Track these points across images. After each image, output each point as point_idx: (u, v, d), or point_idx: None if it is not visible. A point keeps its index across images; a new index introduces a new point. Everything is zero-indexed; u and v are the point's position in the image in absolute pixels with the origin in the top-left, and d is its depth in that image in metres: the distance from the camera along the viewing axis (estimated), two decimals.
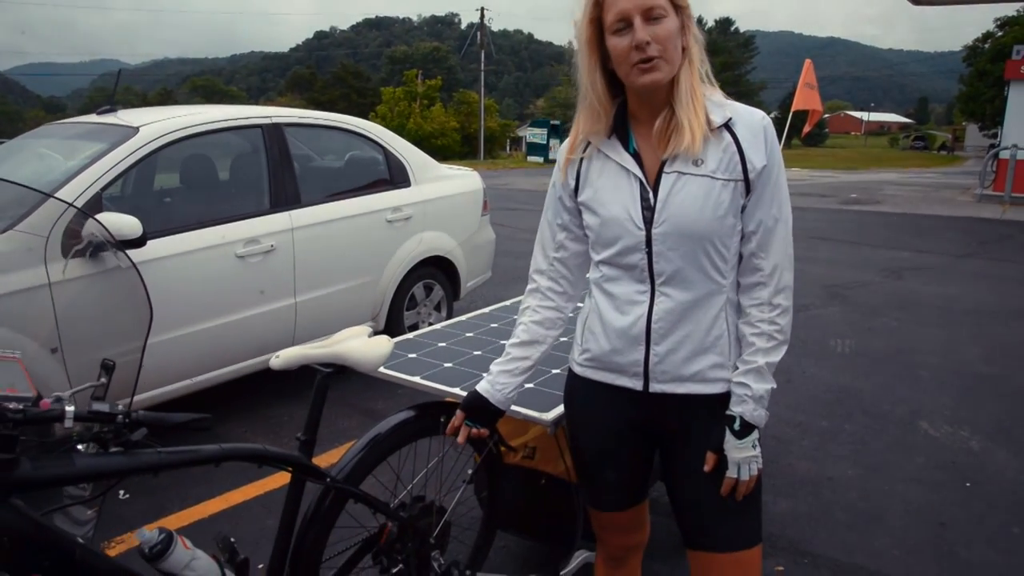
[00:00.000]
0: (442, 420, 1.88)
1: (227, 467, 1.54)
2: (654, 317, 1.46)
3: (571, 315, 1.68)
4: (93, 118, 3.83)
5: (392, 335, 2.08)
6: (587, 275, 1.65)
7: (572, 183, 1.55)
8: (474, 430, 1.68)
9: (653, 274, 1.45)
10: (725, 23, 78.71)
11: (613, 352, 1.52)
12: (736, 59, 71.86)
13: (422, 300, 4.70)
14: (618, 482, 1.65)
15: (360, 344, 1.76)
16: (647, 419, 1.56)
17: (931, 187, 19.95)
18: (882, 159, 42.22)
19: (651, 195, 1.43)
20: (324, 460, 3.12)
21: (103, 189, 3.18)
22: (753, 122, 1.44)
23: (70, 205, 2.92)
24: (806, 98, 2.96)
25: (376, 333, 1.87)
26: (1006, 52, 23.49)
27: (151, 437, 1.37)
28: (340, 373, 1.76)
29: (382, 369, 2.14)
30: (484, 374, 2.18)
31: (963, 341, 5.34)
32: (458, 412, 1.70)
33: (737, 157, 1.41)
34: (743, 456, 1.44)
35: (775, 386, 1.48)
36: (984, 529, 2.83)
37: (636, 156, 1.46)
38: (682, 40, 1.40)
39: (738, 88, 67.64)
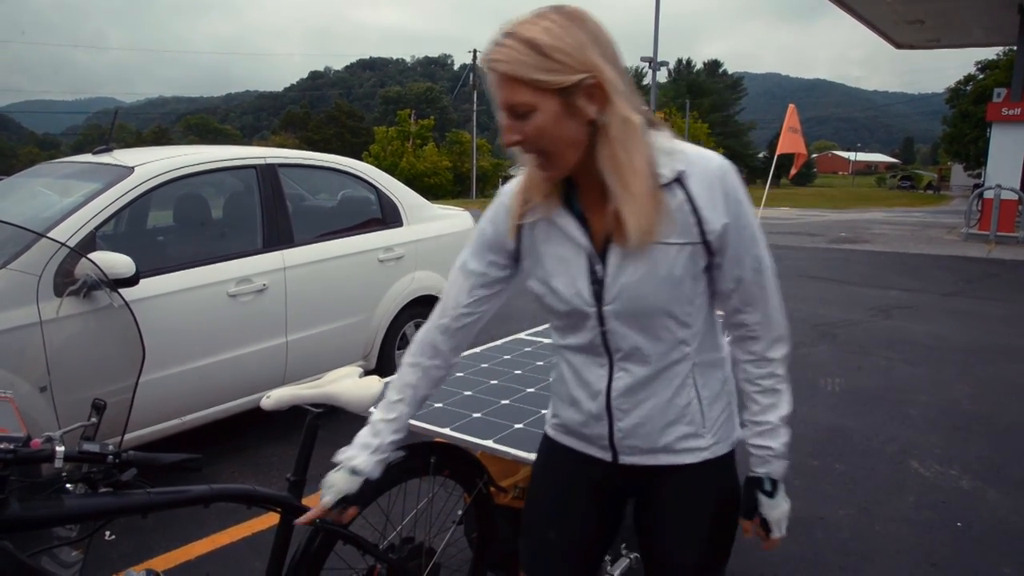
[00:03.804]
0: (432, 461, 1.89)
1: (214, 508, 1.54)
2: (613, 394, 1.36)
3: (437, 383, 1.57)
4: (89, 157, 3.87)
5: (383, 374, 2.09)
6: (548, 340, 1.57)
7: (512, 245, 1.40)
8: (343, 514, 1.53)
9: (610, 349, 1.34)
10: (714, 65, 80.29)
11: (580, 424, 1.44)
12: (725, 100, 73.20)
13: (413, 339, 4.70)
14: (558, 544, 1.52)
15: (351, 384, 1.77)
16: (616, 485, 1.49)
17: (918, 226, 20.19)
18: (870, 198, 42.75)
19: (600, 267, 1.29)
20: (312, 501, 3.09)
21: (97, 228, 3.20)
22: (708, 173, 1.25)
23: (63, 245, 2.93)
24: (790, 142, 3.02)
25: (368, 372, 1.88)
26: (987, 94, 24.01)
27: (141, 477, 1.37)
28: (330, 413, 1.77)
29: (372, 409, 2.14)
30: (473, 414, 2.20)
31: (951, 379, 5.37)
32: (325, 507, 1.52)
33: (692, 218, 1.24)
34: (780, 511, 1.40)
35: (790, 431, 1.39)
36: (975, 570, 2.82)
37: (582, 219, 1.31)
38: (584, 115, 1.18)
39: (727, 128, 68.77)
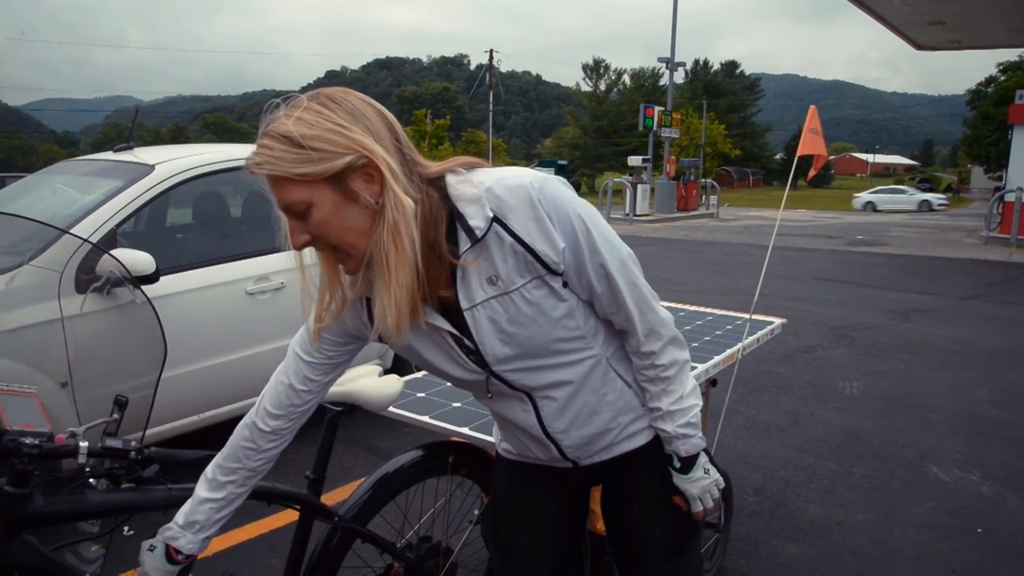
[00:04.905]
0: (450, 460, 1.89)
1: None
2: (545, 422, 1.36)
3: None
4: (110, 155, 3.90)
5: (399, 373, 2.09)
6: None
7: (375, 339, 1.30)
8: None
9: (519, 389, 1.33)
10: (731, 66, 79.89)
11: (529, 451, 1.45)
12: (742, 101, 72.81)
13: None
14: (531, 550, 1.53)
15: (371, 383, 1.77)
16: (581, 479, 1.52)
17: (937, 229, 19.99)
18: None
19: (468, 340, 1.25)
20: (330, 498, 3.11)
21: (118, 225, 3.22)
22: (522, 203, 1.16)
23: (85, 241, 2.96)
24: (810, 143, 2.99)
25: (384, 371, 1.88)
26: (1009, 96, 23.74)
27: (162, 473, 1.38)
28: (350, 412, 1.78)
29: (391, 408, 2.15)
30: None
31: (971, 384, 5.31)
32: None
33: (529, 256, 1.18)
34: (699, 487, 1.40)
35: (699, 402, 1.38)
36: None
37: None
38: (365, 199, 1.10)
39: (744, 130, 68.41)
